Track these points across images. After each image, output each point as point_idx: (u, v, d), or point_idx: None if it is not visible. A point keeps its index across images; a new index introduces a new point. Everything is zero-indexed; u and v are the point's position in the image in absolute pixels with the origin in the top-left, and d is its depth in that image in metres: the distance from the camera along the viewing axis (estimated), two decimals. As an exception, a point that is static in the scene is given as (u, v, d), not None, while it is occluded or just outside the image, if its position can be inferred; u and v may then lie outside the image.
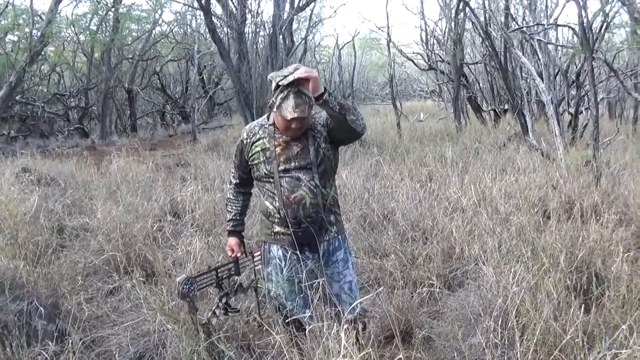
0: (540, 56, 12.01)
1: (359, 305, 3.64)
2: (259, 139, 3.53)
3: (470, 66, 19.10)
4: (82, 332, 4.33)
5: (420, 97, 35.16)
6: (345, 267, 3.61)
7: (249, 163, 3.59)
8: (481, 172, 8.26)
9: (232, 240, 3.81)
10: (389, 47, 16.89)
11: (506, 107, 16.97)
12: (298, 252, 3.45)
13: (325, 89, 3.19)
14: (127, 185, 8.64)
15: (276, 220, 3.52)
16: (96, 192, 8.29)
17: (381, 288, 4.73)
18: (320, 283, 3.37)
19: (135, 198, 7.59)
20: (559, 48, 14.78)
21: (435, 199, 7.18)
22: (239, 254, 3.78)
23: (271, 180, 3.46)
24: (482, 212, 6.12)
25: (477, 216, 6.12)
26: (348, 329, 3.05)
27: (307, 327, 3.31)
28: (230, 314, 3.73)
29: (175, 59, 25.39)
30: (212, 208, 7.22)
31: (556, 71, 13.48)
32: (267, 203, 3.54)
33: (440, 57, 18.81)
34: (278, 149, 3.45)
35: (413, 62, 20.92)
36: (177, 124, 25.54)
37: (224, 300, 3.73)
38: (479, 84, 19.36)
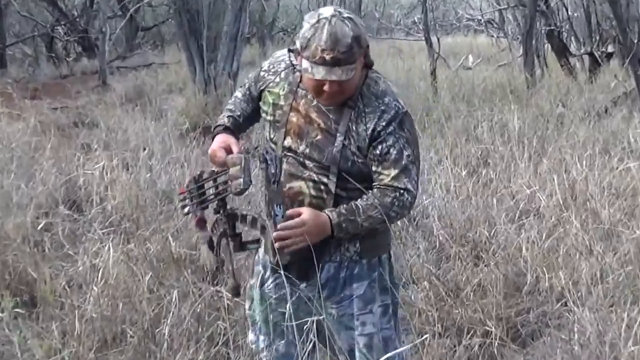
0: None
1: None
2: (277, 83, 2.53)
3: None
4: None
5: (469, 29, 29.89)
6: (365, 310, 2.57)
7: (258, 105, 2.62)
8: (569, 155, 6.84)
9: (231, 139, 2.53)
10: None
11: (611, 49, 14.71)
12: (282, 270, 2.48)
13: (332, 227, 2.31)
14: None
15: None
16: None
17: (408, 336, 3.58)
18: (314, 321, 2.41)
19: (7, 177, 6.10)
20: None
21: (494, 194, 5.87)
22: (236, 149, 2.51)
23: (273, 150, 2.54)
24: (571, 218, 4.83)
25: (562, 225, 4.85)
26: None
27: None
28: (249, 247, 2.53)
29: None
30: (135, 197, 5.67)
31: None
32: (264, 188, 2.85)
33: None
34: (293, 116, 2.46)
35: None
36: (75, 57, 20.06)
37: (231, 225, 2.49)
38: (566, 10, 16.55)
